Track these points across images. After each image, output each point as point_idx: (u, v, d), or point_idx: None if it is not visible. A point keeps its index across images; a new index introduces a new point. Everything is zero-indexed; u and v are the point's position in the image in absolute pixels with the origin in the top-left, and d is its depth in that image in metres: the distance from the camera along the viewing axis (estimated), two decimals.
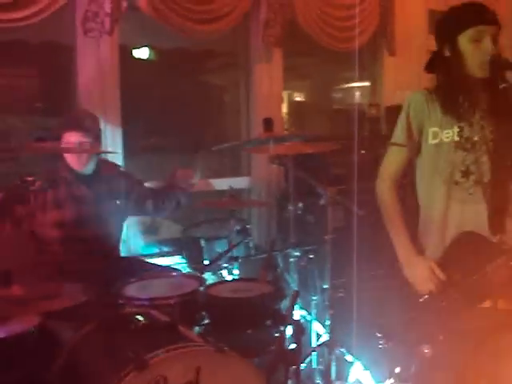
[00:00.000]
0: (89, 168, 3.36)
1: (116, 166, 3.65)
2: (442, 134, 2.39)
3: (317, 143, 3.58)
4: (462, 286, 2.24)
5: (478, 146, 2.34)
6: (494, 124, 2.36)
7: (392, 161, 2.57)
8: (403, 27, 5.09)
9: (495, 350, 2.23)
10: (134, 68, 4.27)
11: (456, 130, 2.36)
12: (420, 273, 2.35)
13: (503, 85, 2.09)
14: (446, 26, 2.39)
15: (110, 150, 3.95)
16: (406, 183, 2.61)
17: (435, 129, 2.41)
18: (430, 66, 2.49)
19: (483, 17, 2.29)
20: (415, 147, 2.49)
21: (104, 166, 3.48)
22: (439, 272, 2.31)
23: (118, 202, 3.45)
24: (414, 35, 5.02)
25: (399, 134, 2.52)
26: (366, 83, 5.62)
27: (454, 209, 2.38)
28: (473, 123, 2.36)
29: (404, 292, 2.43)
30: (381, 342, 2.51)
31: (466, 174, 2.35)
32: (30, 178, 2.77)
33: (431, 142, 2.42)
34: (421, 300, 2.33)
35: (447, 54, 2.36)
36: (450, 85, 2.38)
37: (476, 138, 2.35)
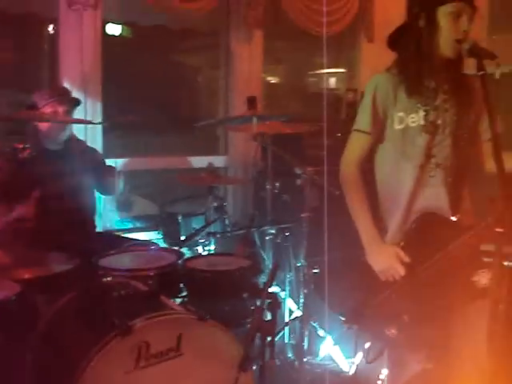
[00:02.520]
0: (61, 143, 3.40)
1: (83, 142, 3.70)
2: (408, 118, 2.35)
3: (296, 124, 3.66)
4: (426, 266, 2.24)
5: (441, 130, 2.34)
6: (456, 107, 2.36)
7: (355, 148, 2.48)
8: (382, 14, 5.16)
9: (462, 326, 2.31)
10: (107, 44, 4.21)
11: (422, 114, 2.34)
12: (384, 261, 2.33)
13: (481, 72, 2.10)
14: None
15: (89, 126, 3.99)
16: (367, 168, 2.55)
17: (401, 114, 2.36)
18: (394, 41, 2.43)
19: None
20: (379, 132, 2.43)
21: (73, 141, 3.52)
22: (404, 256, 2.30)
23: (87, 176, 3.47)
24: (393, 22, 5.06)
25: (364, 119, 2.42)
26: (342, 69, 5.69)
27: (418, 192, 2.38)
28: (437, 106, 2.35)
29: (371, 274, 2.39)
30: (346, 326, 2.53)
31: (428, 157, 2.35)
32: (20, 146, 2.78)
33: (397, 127, 2.37)
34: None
35: (421, 24, 2.29)
36: (417, 62, 2.32)
37: (439, 122, 2.34)
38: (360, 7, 5.06)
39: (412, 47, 2.34)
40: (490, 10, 5.41)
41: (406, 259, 2.30)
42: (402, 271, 2.29)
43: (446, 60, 2.32)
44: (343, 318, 2.53)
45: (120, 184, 3.58)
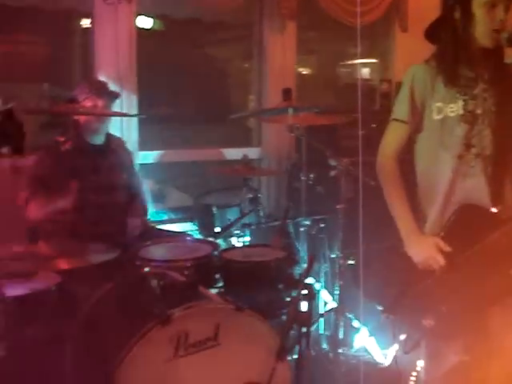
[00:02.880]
0: (101, 138, 3.45)
1: (122, 141, 3.74)
2: (447, 108, 2.34)
3: (330, 115, 3.66)
4: (465, 257, 2.24)
5: (480, 119, 2.32)
6: (496, 96, 2.33)
7: (393, 138, 2.48)
8: (416, 4, 5.11)
9: (500, 319, 2.29)
10: (139, 37, 4.23)
11: (461, 103, 2.32)
12: (424, 251, 2.32)
13: None
14: None
15: (125, 119, 4.04)
16: (406, 159, 2.54)
17: (439, 104, 2.36)
18: (432, 33, 2.43)
19: None
20: (418, 122, 2.43)
21: (113, 139, 3.58)
22: (444, 246, 2.28)
23: (123, 171, 3.53)
24: (427, 12, 4.98)
25: (402, 109, 2.43)
26: (375, 60, 5.65)
27: (457, 182, 2.37)
28: (476, 96, 2.33)
29: (409, 264, 2.38)
30: (383, 316, 2.53)
31: (467, 147, 2.33)
32: (61, 138, 2.83)
33: (436, 117, 2.37)
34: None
35: (457, 16, 2.29)
36: (454, 53, 2.31)
37: (479, 111, 2.32)
38: None
39: (449, 39, 2.34)
40: None
41: (447, 248, 2.28)
42: (441, 261, 2.27)
43: (484, 50, 2.30)
44: (381, 308, 2.53)
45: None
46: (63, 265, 2.60)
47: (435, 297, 2.28)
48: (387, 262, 2.63)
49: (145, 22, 4.57)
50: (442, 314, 2.26)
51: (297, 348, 2.32)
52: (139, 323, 2.19)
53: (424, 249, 2.33)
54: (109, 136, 3.53)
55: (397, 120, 2.45)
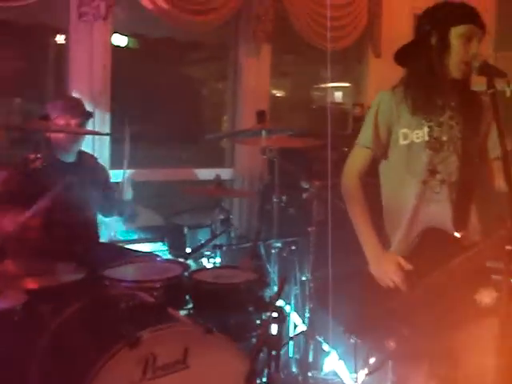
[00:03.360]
0: (72, 155, 3.42)
1: (94, 157, 3.71)
2: (413, 134, 2.37)
3: (303, 138, 3.68)
4: (428, 280, 2.24)
5: (446, 146, 2.35)
6: (462, 124, 2.37)
7: (357, 160, 2.51)
8: (389, 30, 5.21)
9: (465, 345, 2.30)
10: (113, 55, 4.22)
11: (426, 130, 2.35)
12: (386, 267, 2.33)
13: (491, 90, 2.11)
14: (441, 14, 2.34)
15: (97, 137, 4.02)
16: (371, 183, 2.57)
17: (405, 130, 2.38)
18: (402, 57, 2.45)
19: (477, 19, 2.30)
20: (382, 148, 2.45)
21: (84, 156, 3.56)
22: (405, 264, 2.29)
23: (95, 190, 3.49)
24: (400, 38, 5.04)
25: (366, 134, 2.45)
26: (347, 84, 5.72)
27: (422, 207, 2.39)
28: (442, 123, 2.36)
29: (373, 286, 2.39)
30: (345, 336, 2.54)
31: (432, 172, 2.36)
32: (31, 156, 2.79)
33: (402, 142, 2.39)
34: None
35: (433, 42, 2.32)
36: (425, 78, 2.34)
37: (445, 138, 2.35)
38: (368, 22, 5.10)
39: (421, 64, 2.36)
40: (496, 27, 5.45)
41: (407, 266, 2.30)
42: (400, 277, 2.29)
43: (453, 78, 2.34)
44: (343, 328, 2.54)
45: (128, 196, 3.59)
46: (30, 284, 2.56)
47: (397, 319, 2.28)
48: (353, 285, 2.63)
49: (119, 40, 4.55)
50: (403, 337, 2.26)
51: (266, 371, 2.30)
52: (107, 344, 2.15)
53: (385, 264, 2.34)
54: (81, 153, 3.50)
55: (360, 145, 2.49)
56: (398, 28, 5.22)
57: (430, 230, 2.34)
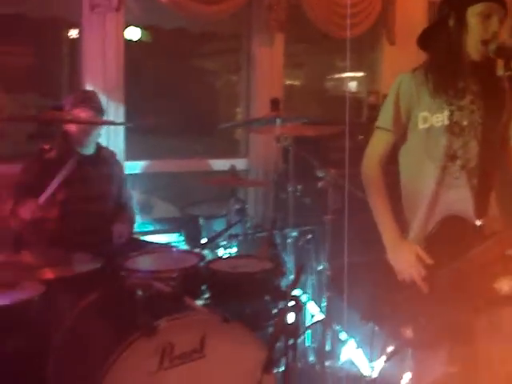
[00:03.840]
0: (90, 148, 3.44)
1: (114, 153, 3.72)
2: (432, 118, 2.33)
3: (319, 126, 3.66)
4: (447, 269, 2.22)
5: (466, 131, 2.31)
6: (484, 109, 2.31)
7: (377, 144, 2.48)
8: (403, 17, 5.15)
9: (487, 331, 2.28)
10: (127, 49, 4.22)
11: (446, 113, 2.31)
12: (405, 259, 2.30)
13: (508, 73, 2.08)
14: None
15: (112, 129, 4.03)
16: (390, 170, 2.52)
17: (425, 113, 2.34)
18: (424, 41, 2.42)
19: None
20: (402, 130, 2.40)
21: (104, 151, 3.58)
22: (425, 257, 2.27)
23: (112, 184, 3.53)
24: (414, 25, 5.01)
25: (386, 117, 2.42)
26: (361, 73, 5.68)
27: (441, 193, 2.35)
28: (463, 107, 2.31)
29: (392, 274, 2.36)
30: (363, 323, 2.52)
31: (452, 158, 2.32)
32: (46, 147, 2.80)
33: (421, 126, 2.35)
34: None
35: (451, 24, 2.29)
36: (445, 61, 2.31)
37: (465, 123, 2.30)
38: (382, 10, 5.05)
39: (441, 47, 2.33)
40: None
41: (428, 260, 2.26)
42: (422, 271, 2.26)
43: (476, 61, 2.29)
44: (360, 315, 2.52)
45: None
46: (47, 274, 2.57)
47: (414, 307, 2.27)
48: (371, 273, 2.61)
49: (133, 34, 4.56)
50: (420, 325, 2.25)
51: (283, 360, 2.30)
52: (124, 334, 2.16)
53: (405, 257, 2.31)
54: (99, 147, 3.52)
55: (381, 128, 2.45)
56: (412, 15, 5.18)
57: (450, 218, 2.30)
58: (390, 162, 2.51)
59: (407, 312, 2.29)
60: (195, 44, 5.10)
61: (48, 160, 2.93)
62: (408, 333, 2.27)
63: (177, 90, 4.94)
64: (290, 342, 2.34)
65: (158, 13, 4.43)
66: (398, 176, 2.54)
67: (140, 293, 2.43)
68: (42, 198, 2.93)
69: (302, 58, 5.74)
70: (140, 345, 2.10)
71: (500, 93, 2.31)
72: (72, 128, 3.31)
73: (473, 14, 2.24)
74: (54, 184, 2.92)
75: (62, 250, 2.93)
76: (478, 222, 2.27)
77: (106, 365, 2.08)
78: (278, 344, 2.28)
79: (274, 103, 3.22)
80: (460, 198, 2.33)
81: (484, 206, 2.32)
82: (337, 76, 5.76)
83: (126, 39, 4.25)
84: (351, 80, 5.73)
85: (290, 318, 2.32)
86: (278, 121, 3.20)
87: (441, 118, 2.32)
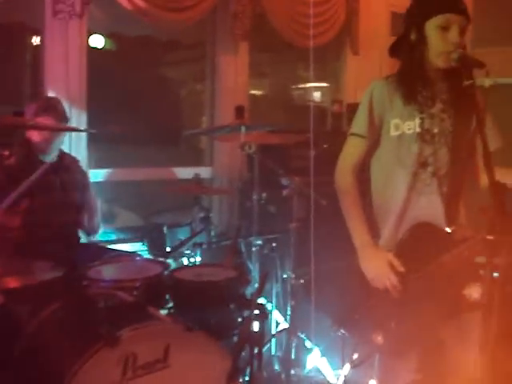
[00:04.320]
0: (53, 155, 3.37)
1: (76, 160, 3.65)
2: (404, 125, 2.34)
3: (284, 134, 3.67)
4: (417, 275, 2.24)
5: (437, 138, 2.33)
6: (454, 117, 2.35)
7: (351, 151, 2.47)
8: (367, 27, 5.22)
9: (455, 338, 2.30)
10: (91, 57, 4.19)
11: (417, 121, 2.33)
12: (377, 266, 2.31)
13: (470, 81, 2.10)
14: (416, 10, 2.35)
15: (74, 137, 3.97)
16: (362, 178, 2.53)
17: (397, 120, 2.36)
18: (394, 50, 2.46)
19: (454, 5, 2.27)
20: (376, 136, 2.41)
21: (66, 157, 3.51)
22: (398, 265, 2.27)
23: (75, 192, 3.47)
24: (377, 36, 5.15)
25: (360, 123, 2.42)
26: (326, 84, 5.73)
27: (412, 200, 2.36)
28: (433, 115, 2.34)
29: (363, 280, 2.36)
30: (333, 329, 2.52)
31: (423, 165, 2.33)
32: (5, 153, 2.74)
33: (393, 133, 2.36)
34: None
35: (412, 37, 2.33)
36: (411, 71, 2.34)
37: (436, 130, 2.33)
38: (345, 20, 5.10)
39: (406, 58, 2.38)
40: (473, 23, 5.47)
41: (400, 268, 2.27)
42: (394, 279, 2.27)
43: (442, 70, 2.31)
44: (331, 321, 2.52)
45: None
46: (6, 283, 2.51)
47: (385, 313, 2.28)
48: (339, 280, 2.61)
49: (97, 41, 4.54)
50: (391, 331, 2.26)
51: (248, 369, 2.28)
52: (86, 344, 2.12)
53: (377, 264, 2.31)
54: (62, 154, 3.45)
55: (354, 134, 2.45)
56: (376, 25, 5.25)
57: (420, 225, 2.32)
58: (362, 169, 2.52)
59: (378, 317, 2.29)
60: (160, 52, 5.08)
61: (7, 166, 2.86)
62: (379, 339, 2.27)
63: (141, 99, 4.92)
64: (255, 350, 2.33)
65: (123, 20, 4.40)
66: (369, 183, 2.55)
67: (102, 302, 2.38)
68: (4, 205, 2.87)
69: (267, 68, 5.77)
70: (102, 355, 2.06)
71: (468, 101, 2.32)
72: (34, 135, 3.25)
73: (431, 27, 2.27)
74: (18, 191, 2.86)
75: (23, 258, 2.87)
76: (448, 229, 2.30)
77: (68, 375, 2.03)
78: (243, 353, 2.27)
79: (239, 111, 3.22)
80: (431, 205, 2.35)
81: (454, 213, 2.36)
82: (301, 85, 5.79)
83: (90, 47, 4.21)
84: (315, 89, 5.77)
85: (255, 326, 2.31)
86: (243, 128, 3.20)
87: (412, 126, 2.34)
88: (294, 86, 5.83)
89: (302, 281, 3.31)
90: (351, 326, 2.40)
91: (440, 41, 2.26)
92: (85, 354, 2.06)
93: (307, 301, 3.17)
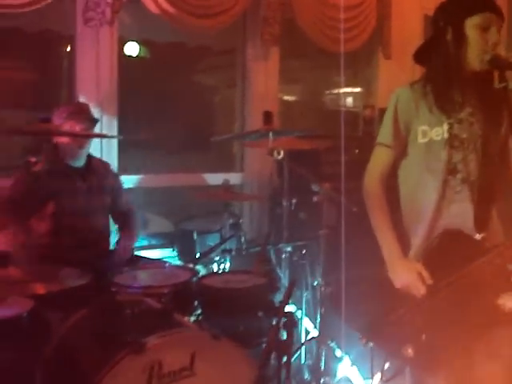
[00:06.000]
0: (81, 160, 3.37)
1: (107, 164, 3.64)
2: (432, 132, 2.29)
3: (313, 140, 3.63)
4: (447, 284, 2.17)
5: (466, 144, 2.27)
6: (483, 121, 2.28)
7: (378, 162, 2.44)
8: (399, 31, 5.15)
9: (485, 351, 2.23)
10: (126, 65, 4.22)
11: (446, 127, 2.27)
12: (405, 276, 2.25)
13: (503, 84, 2.05)
14: (453, 8, 2.26)
15: (105, 142, 3.99)
16: (390, 186, 2.49)
17: (424, 127, 2.30)
18: (421, 55, 2.38)
19: (493, 5, 2.21)
20: (402, 145, 2.38)
21: (95, 161, 3.50)
22: (427, 276, 2.21)
23: (105, 196, 3.46)
24: (410, 40, 5.05)
25: (386, 133, 2.39)
26: (358, 89, 5.68)
27: (443, 208, 2.30)
28: (462, 120, 2.27)
29: (391, 290, 2.32)
30: (362, 342, 2.47)
31: (453, 172, 2.28)
32: (32, 160, 2.76)
33: (421, 140, 2.32)
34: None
35: (449, 38, 2.24)
36: (445, 75, 2.27)
37: (465, 136, 2.27)
38: (377, 24, 5.05)
39: (440, 61, 2.29)
40: (508, 26, 5.37)
41: (429, 281, 2.21)
42: (422, 289, 2.21)
43: (474, 73, 2.24)
44: (359, 334, 2.47)
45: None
46: (35, 289, 2.52)
47: (415, 325, 2.21)
48: (368, 289, 2.56)
49: (131, 49, 4.58)
50: (421, 343, 2.19)
51: (276, 378, 2.24)
52: (112, 351, 2.11)
53: (406, 274, 2.26)
54: (90, 159, 3.44)
55: (381, 144, 2.42)
56: (408, 29, 5.18)
57: (449, 232, 2.26)
58: (390, 177, 2.48)
59: (408, 330, 2.23)
60: (192, 59, 5.09)
61: (35, 173, 2.89)
62: (409, 352, 2.21)
63: (173, 105, 4.94)
64: (284, 359, 2.29)
65: (153, 27, 4.43)
66: (397, 191, 2.50)
67: (129, 309, 2.38)
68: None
69: (300, 74, 5.74)
70: (128, 362, 2.05)
71: (499, 105, 2.25)
72: (64, 141, 3.25)
73: (471, 27, 2.20)
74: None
75: (50, 264, 2.88)
76: (478, 236, 2.23)
77: (93, 382, 2.02)
78: (271, 361, 2.23)
79: (267, 116, 3.20)
80: (461, 212, 2.29)
81: (485, 220, 2.28)
82: (334, 91, 5.75)
83: (125, 55, 4.25)
84: (348, 95, 5.72)
85: (284, 334, 2.27)
86: (271, 134, 3.17)
87: (440, 132, 2.28)
88: (326, 92, 5.78)
89: (329, 289, 3.26)
90: (380, 338, 2.34)
91: (481, 41, 2.19)
92: (110, 361, 2.05)
93: (335, 310, 3.12)
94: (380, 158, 2.44)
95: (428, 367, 2.28)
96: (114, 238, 3.73)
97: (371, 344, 2.41)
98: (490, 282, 2.13)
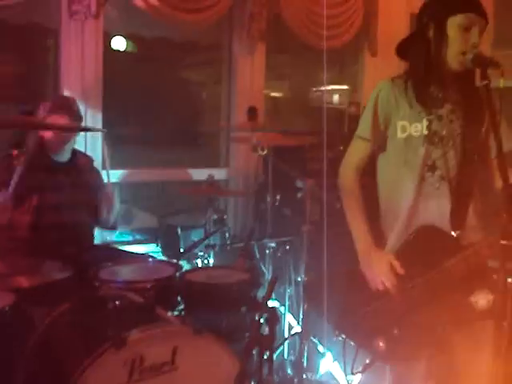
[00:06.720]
0: (65, 155, 3.35)
1: (90, 159, 3.63)
2: (411, 127, 2.29)
3: (297, 136, 3.64)
4: (421, 280, 2.18)
5: (445, 141, 2.27)
6: (464, 119, 2.29)
7: (355, 152, 2.45)
8: (385, 29, 5.16)
9: (465, 344, 2.25)
10: (113, 59, 4.21)
11: (425, 123, 2.27)
12: (376, 267, 2.26)
13: (485, 81, 2.05)
14: (437, 6, 2.27)
15: (89, 136, 3.97)
16: (368, 183, 2.50)
17: (404, 122, 2.30)
18: (403, 50, 2.39)
19: (477, 6, 2.22)
20: (381, 139, 2.38)
21: (79, 156, 3.48)
22: (398, 267, 2.22)
23: (88, 191, 3.44)
24: (396, 37, 5.02)
25: (365, 126, 2.39)
26: (344, 86, 5.68)
27: (420, 204, 2.30)
28: (442, 117, 2.28)
29: (364, 284, 2.32)
30: (335, 334, 2.48)
31: (432, 168, 2.28)
32: (15, 152, 2.74)
33: (400, 135, 2.31)
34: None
35: (430, 34, 2.25)
36: (425, 71, 2.27)
37: (444, 133, 2.27)
38: (363, 21, 5.06)
39: (420, 57, 2.29)
40: (494, 25, 5.39)
41: (400, 270, 2.22)
42: (393, 280, 2.22)
43: (455, 71, 2.25)
44: (332, 326, 2.48)
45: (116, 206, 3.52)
46: (17, 283, 2.51)
47: (387, 319, 2.23)
48: (342, 283, 2.56)
49: (119, 44, 4.55)
50: (393, 337, 2.20)
51: (258, 373, 2.25)
52: (93, 345, 2.11)
53: (376, 265, 2.27)
54: (75, 153, 3.42)
55: (359, 137, 2.43)
56: (395, 27, 5.18)
57: (425, 228, 2.26)
58: (367, 173, 2.49)
59: (379, 323, 2.24)
60: (178, 54, 5.08)
61: (16, 166, 2.86)
62: (380, 345, 2.23)
63: (160, 100, 4.93)
64: (266, 354, 2.29)
65: (140, 22, 4.41)
66: (375, 188, 2.50)
67: (111, 303, 2.37)
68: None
69: (287, 70, 5.74)
70: (109, 356, 2.05)
71: (480, 103, 2.23)
72: (48, 134, 3.23)
73: (453, 26, 2.21)
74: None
75: (32, 258, 2.87)
76: (454, 233, 2.24)
77: (74, 376, 2.02)
78: (254, 356, 2.24)
79: (251, 112, 3.20)
80: (439, 209, 2.29)
81: (462, 217, 2.28)
82: (320, 88, 5.76)
83: (112, 49, 4.26)
84: (334, 92, 5.73)
85: (266, 329, 2.27)
86: (252, 130, 3.18)
87: (419, 128, 2.29)
88: (313, 89, 5.79)
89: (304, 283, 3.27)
90: (352, 330, 2.35)
91: (461, 40, 2.20)
92: (92, 354, 2.05)
93: (310, 303, 3.15)
94: (356, 150, 2.45)
95: (402, 360, 2.30)
96: (98, 232, 3.74)
97: (343, 336, 2.42)
98: (464, 280, 2.13)
